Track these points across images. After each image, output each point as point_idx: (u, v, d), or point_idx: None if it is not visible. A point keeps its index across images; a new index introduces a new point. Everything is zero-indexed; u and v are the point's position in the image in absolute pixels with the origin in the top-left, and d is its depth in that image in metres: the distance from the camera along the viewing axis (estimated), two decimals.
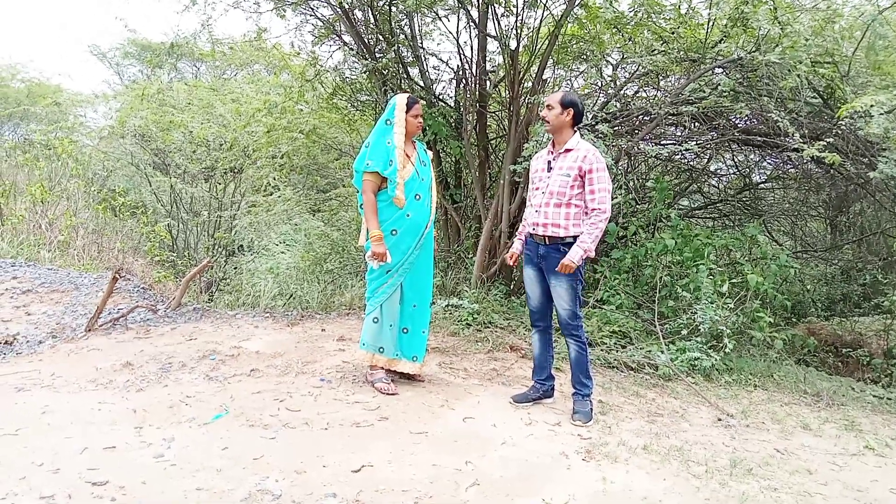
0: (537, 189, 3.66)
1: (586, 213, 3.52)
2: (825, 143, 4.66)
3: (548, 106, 3.59)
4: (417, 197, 3.84)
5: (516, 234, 3.99)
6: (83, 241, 8.04)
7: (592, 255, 3.56)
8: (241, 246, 10.14)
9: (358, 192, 3.86)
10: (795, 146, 4.70)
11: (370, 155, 3.74)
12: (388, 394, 3.75)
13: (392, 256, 3.76)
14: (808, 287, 8.09)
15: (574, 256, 3.44)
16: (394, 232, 3.78)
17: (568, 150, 3.56)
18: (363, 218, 3.92)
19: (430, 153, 4.15)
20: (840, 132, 5.36)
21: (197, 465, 2.78)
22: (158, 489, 2.56)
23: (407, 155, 3.83)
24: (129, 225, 9.40)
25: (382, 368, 3.89)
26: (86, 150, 10.58)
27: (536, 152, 4.73)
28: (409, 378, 4.03)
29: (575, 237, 3.51)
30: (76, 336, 4.76)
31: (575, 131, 3.62)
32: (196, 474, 2.69)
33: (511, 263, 3.93)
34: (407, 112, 3.81)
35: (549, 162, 3.63)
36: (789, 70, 4.77)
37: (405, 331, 3.92)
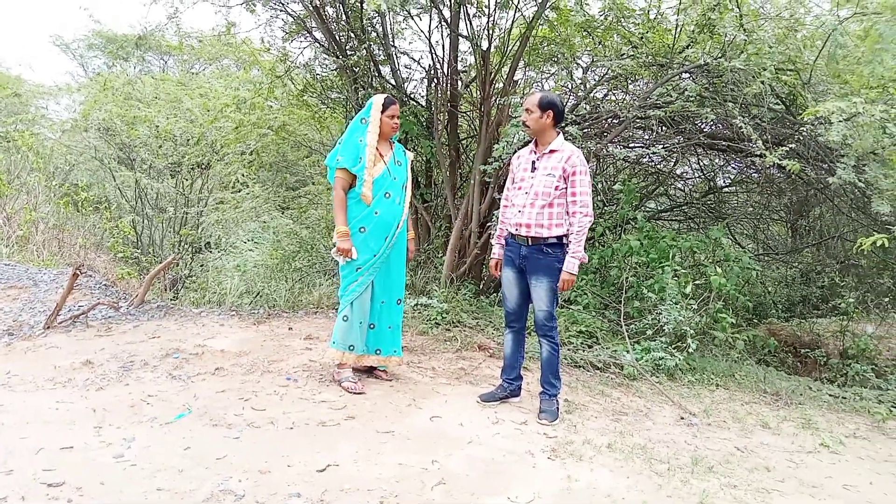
0: (520, 189, 3.63)
1: (567, 213, 3.54)
2: (787, 149, 4.77)
3: (527, 110, 3.56)
4: (387, 195, 3.83)
5: (493, 238, 3.95)
6: (43, 237, 7.84)
7: (586, 259, 3.60)
8: (209, 243, 9.97)
9: (332, 186, 3.87)
10: (759, 152, 4.81)
11: (341, 151, 3.79)
12: (354, 393, 3.74)
13: (361, 254, 3.76)
14: (770, 289, 8.30)
15: (571, 269, 3.49)
16: (362, 229, 3.79)
17: (553, 151, 3.56)
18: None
19: (409, 155, 4.16)
20: (801, 138, 5.50)
21: (158, 465, 2.73)
22: (117, 490, 2.50)
23: (381, 154, 3.84)
24: (92, 220, 9.19)
25: (350, 367, 3.88)
26: (47, 144, 10.31)
27: (507, 153, 4.73)
28: (373, 374, 4.08)
29: (558, 237, 3.52)
30: (34, 334, 4.63)
31: (558, 132, 3.62)
32: (157, 474, 2.64)
33: (497, 273, 3.87)
34: (382, 112, 3.83)
35: (534, 162, 3.61)
36: (753, 76, 4.87)
37: (371, 326, 3.95)
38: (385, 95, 3.94)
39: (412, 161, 4.24)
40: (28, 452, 2.74)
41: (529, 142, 3.80)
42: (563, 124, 3.73)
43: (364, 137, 3.80)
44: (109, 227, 8.40)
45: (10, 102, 13.04)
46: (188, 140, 9.29)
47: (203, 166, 9.67)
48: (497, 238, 3.89)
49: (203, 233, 9.72)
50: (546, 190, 3.51)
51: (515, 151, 4.09)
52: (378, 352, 4.00)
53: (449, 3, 6.02)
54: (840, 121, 4.12)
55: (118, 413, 3.26)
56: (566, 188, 3.51)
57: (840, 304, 6.57)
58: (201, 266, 9.07)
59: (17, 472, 2.57)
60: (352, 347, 3.84)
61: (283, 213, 9.53)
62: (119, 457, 2.77)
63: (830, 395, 5.01)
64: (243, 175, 9.07)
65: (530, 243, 3.57)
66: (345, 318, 3.82)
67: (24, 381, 3.67)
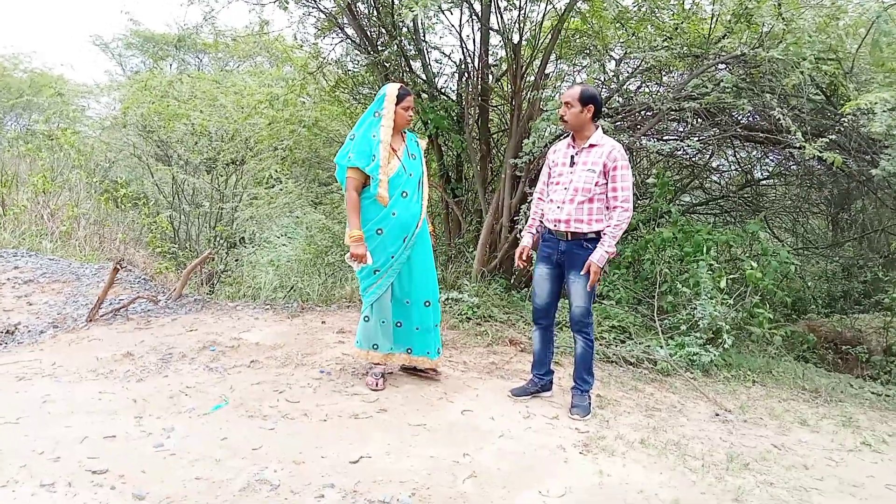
0: (558, 184, 3.56)
1: (608, 208, 3.48)
2: (827, 141, 4.64)
3: (566, 104, 3.46)
4: (404, 194, 3.64)
5: (525, 228, 3.85)
6: (85, 232, 8.07)
7: (615, 254, 3.55)
8: (243, 238, 10.14)
9: (342, 186, 3.70)
10: (798, 144, 4.69)
11: (353, 148, 3.58)
12: (373, 389, 3.70)
13: (377, 257, 3.61)
14: (809, 284, 8.09)
15: (599, 259, 3.41)
16: (379, 231, 3.62)
17: (593, 146, 3.48)
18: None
19: (422, 143, 3.93)
20: (842, 129, 5.35)
21: (196, 454, 2.80)
22: (158, 478, 2.58)
23: (393, 149, 3.63)
24: (131, 216, 9.42)
25: (383, 364, 3.85)
26: (88, 141, 10.59)
27: (538, 147, 4.68)
28: (414, 372, 3.99)
29: (597, 233, 3.46)
30: (77, 326, 4.78)
31: (597, 126, 3.54)
32: (195, 464, 2.71)
33: (522, 263, 3.76)
34: (397, 104, 3.61)
35: (573, 157, 3.53)
36: (792, 66, 4.75)
37: (399, 325, 3.80)
38: (399, 85, 3.67)
39: (426, 151, 3.97)
40: (73, 441, 2.84)
41: (561, 135, 3.74)
42: (600, 118, 3.64)
43: (378, 133, 3.56)
44: (147, 223, 8.60)
45: (53, 102, 13.44)
46: (223, 136, 9.46)
47: (237, 162, 9.83)
48: (528, 228, 3.81)
49: (238, 228, 9.90)
50: (586, 185, 3.44)
51: (547, 145, 4.03)
52: (409, 350, 3.84)
53: None
54: (884, 111, 3.99)
55: (158, 404, 3.34)
56: (606, 183, 3.45)
57: (884, 299, 6.38)
58: (236, 261, 9.24)
59: (64, 460, 2.66)
60: (375, 346, 3.75)
61: (315, 208, 9.63)
62: (159, 446, 2.85)
63: (873, 393, 4.88)
64: (276, 171, 9.19)
65: (569, 238, 3.51)
66: (366, 319, 3.73)
67: (68, 371, 3.80)
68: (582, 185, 3.45)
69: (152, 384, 3.64)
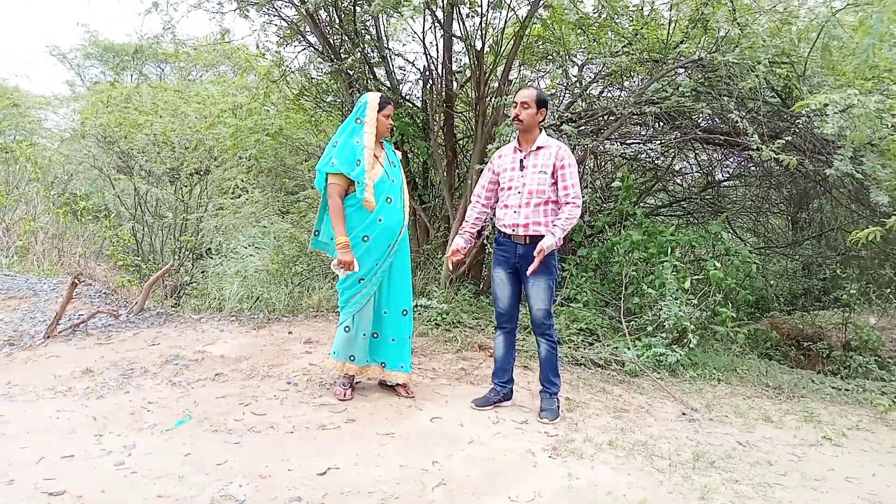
0: (510, 189, 3.59)
1: (558, 207, 3.53)
2: (784, 142, 4.76)
3: (523, 104, 3.51)
4: (389, 200, 3.65)
5: (460, 230, 3.81)
6: (42, 247, 7.86)
7: (561, 244, 3.57)
8: (209, 249, 9.99)
9: (321, 194, 3.69)
10: (755, 146, 4.80)
11: (336, 154, 3.57)
12: (341, 399, 3.66)
13: (363, 264, 3.58)
14: (771, 282, 8.27)
15: (548, 247, 3.41)
16: (365, 238, 3.60)
17: (540, 148, 3.55)
18: (319, 220, 3.79)
19: (398, 153, 3.99)
20: (798, 131, 5.50)
21: (159, 471, 2.72)
22: (118, 497, 2.50)
23: (375, 156, 3.65)
24: (92, 229, 9.20)
25: (352, 377, 3.79)
26: (46, 154, 10.34)
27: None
28: (384, 386, 3.93)
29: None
30: (34, 343, 4.64)
31: (541, 129, 3.63)
32: (158, 481, 2.64)
33: (452, 263, 3.74)
34: (379, 112, 3.66)
35: (522, 160, 3.58)
36: (748, 70, 4.87)
37: (375, 336, 3.78)
38: (380, 94, 3.73)
39: (401, 160, 4.04)
40: (29, 462, 2.74)
41: None
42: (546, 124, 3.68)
43: (361, 139, 3.59)
44: (109, 236, 8.41)
45: (9, 113, 13.08)
46: (186, 146, 9.31)
47: (202, 172, 9.69)
48: (462, 230, 3.77)
49: (203, 239, 9.74)
50: (540, 188, 3.50)
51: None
52: (384, 364, 3.79)
53: (442, 4, 6.02)
54: (835, 112, 4.11)
55: (118, 421, 3.26)
56: (555, 182, 3.51)
57: (842, 295, 6.56)
58: (202, 272, 9.09)
59: (19, 482, 2.57)
60: (352, 358, 3.71)
61: (282, 217, 9.54)
62: (120, 464, 2.77)
63: (833, 388, 5.00)
64: (242, 180, 9.08)
65: (528, 241, 3.54)
66: (346, 329, 3.67)
67: (24, 390, 3.68)
68: (536, 188, 3.50)
69: (113, 401, 3.54)
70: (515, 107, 3.55)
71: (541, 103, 3.53)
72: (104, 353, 4.43)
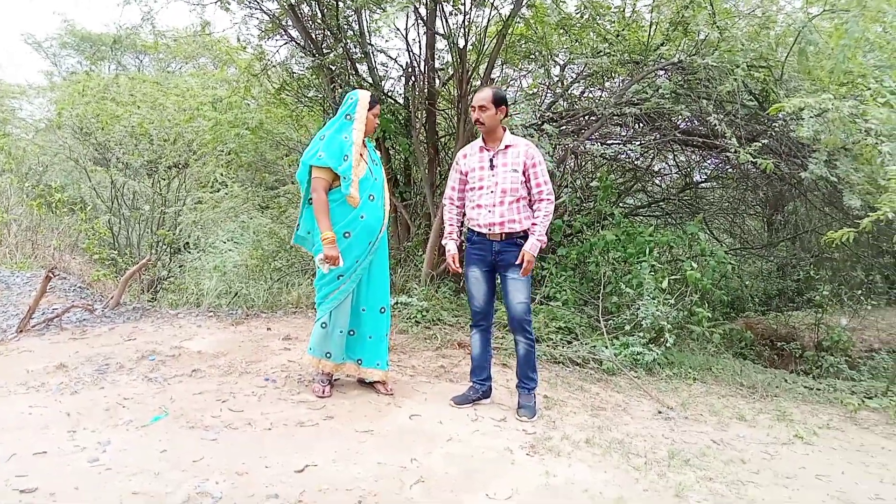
0: (481, 189, 3.61)
1: (530, 203, 3.58)
2: (761, 145, 4.84)
3: (481, 108, 3.52)
4: (371, 197, 3.67)
5: (446, 236, 3.83)
6: (16, 239, 7.72)
7: (545, 243, 3.61)
8: (187, 243, 9.87)
9: (301, 185, 3.68)
10: (733, 148, 4.87)
11: (324, 147, 3.55)
12: (319, 396, 3.67)
13: (344, 261, 3.57)
14: (746, 283, 8.40)
15: (532, 249, 3.48)
16: (347, 234, 3.60)
17: (508, 146, 3.58)
18: (301, 215, 3.79)
19: (378, 153, 4.01)
20: (774, 134, 5.58)
21: (134, 468, 2.70)
22: (92, 494, 2.48)
23: (360, 154, 3.68)
24: (67, 222, 9.04)
25: (329, 373, 3.79)
26: (20, 144, 10.12)
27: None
28: (363, 383, 3.92)
29: (527, 230, 3.56)
30: (6, 338, 4.56)
31: (504, 127, 3.65)
32: (132, 478, 2.62)
33: (455, 269, 3.80)
34: (369, 110, 3.69)
35: (491, 160, 3.60)
36: (727, 73, 4.94)
37: (351, 333, 3.78)
38: (370, 93, 3.76)
39: (381, 157, 4.09)
40: (0, 459, 2.70)
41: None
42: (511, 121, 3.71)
43: (350, 135, 3.61)
44: (85, 229, 8.26)
45: None
46: (165, 140, 9.18)
47: (180, 165, 9.56)
48: (448, 235, 3.80)
49: (181, 233, 9.62)
50: (513, 186, 3.53)
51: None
52: (360, 362, 3.81)
53: (425, 1, 6.01)
54: (811, 116, 4.18)
55: (93, 417, 3.22)
56: (527, 181, 3.56)
57: (815, 296, 6.69)
58: (180, 267, 8.98)
59: None
60: (328, 355, 3.71)
61: (262, 212, 9.46)
62: (94, 461, 2.74)
63: (805, 387, 5.10)
64: (222, 174, 8.98)
65: (503, 239, 3.57)
66: (323, 325, 3.67)
67: None
68: (509, 186, 3.54)
69: (87, 396, 3.50)
70: (474, 111, 3.56)
71: (498, 102, 3.54)
72: (79, 348, 4.37)
